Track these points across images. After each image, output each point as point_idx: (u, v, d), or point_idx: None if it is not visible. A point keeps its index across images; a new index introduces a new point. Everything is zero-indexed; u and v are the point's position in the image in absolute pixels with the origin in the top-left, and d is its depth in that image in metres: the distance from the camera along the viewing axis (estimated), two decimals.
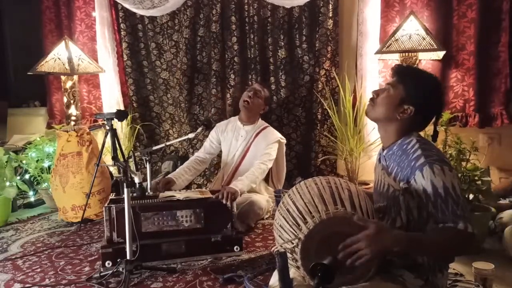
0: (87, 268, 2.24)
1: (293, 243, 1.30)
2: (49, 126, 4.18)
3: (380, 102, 1.44)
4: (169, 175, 2.84)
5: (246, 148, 2.97)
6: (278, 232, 1.40)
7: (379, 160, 1.53)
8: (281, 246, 1.34)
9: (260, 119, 3.07)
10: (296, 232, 1.30)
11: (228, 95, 3.76)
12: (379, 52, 3.15)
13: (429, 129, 1.54)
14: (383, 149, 1.51)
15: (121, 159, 2.59)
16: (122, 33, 3.97)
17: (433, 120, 1.47)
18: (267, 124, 3.08)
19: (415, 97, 1.39)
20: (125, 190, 1.99)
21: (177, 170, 2.92)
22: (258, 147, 2.92)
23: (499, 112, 3.07)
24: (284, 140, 3.03)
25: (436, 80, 1.46)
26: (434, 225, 1.28)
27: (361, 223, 1.18)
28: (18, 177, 3.37)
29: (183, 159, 3.84)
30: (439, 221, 1.26)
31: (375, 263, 1.26)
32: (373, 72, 3.39)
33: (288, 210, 1.37)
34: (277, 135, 2.98)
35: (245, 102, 2.95)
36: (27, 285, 2.06)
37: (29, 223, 3.12)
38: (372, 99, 1.48)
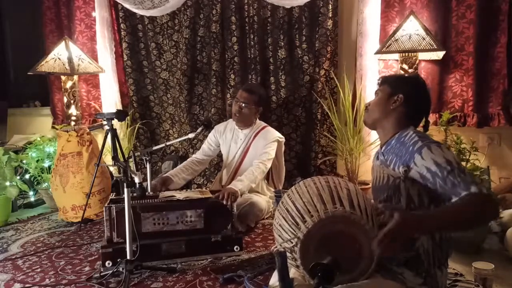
0: (87, 268, 2.24)
1: (292, 243, 1.30)
2: (53, 127, 4.19)
3: (373, 107, 1.56)
4: (166, 174, 2.84)
5: (246, 149, 2.97)
6: (278, 232, 1.40)
7: (377, 157, 1.55)
8: (281, 246, 1.35)
9: (257, 119, 3.06)
10: (295, 232, 1.30)
11: (228, 95, 3.76)
12: (379, 52, 3.15)
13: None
14: (381, 147, 1.54)
15: (121, 159, 2.59)
16: (122, 33, 3.97)
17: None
18: (265, 124, 3.08)
19: (400, 86, 1.52)
20: (125, 190, 1.99)
21: (175, 169, 2.92)
22: (257, 147, 2.92)
23: (496, 112, 3.08)
24: (282, 139, 3.03)
25: (416, 74, 1.59)
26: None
27: (386, 210, 1.18)
28: (18, 177, 3.37)
29: (183, 159, 3.84)
30: (451, 195, 1.24)
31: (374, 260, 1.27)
32: (373, 72, 3.39)
33: (287, 209, 1.37)
34: (276, 135, 2.98)
35: (235, 116, 2.94)
36: (27, 285, 2.06)
37: (29, 223, 3.12)
38: (366, 108, 1.60)
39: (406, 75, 1.64)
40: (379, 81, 1.62)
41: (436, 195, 1.29)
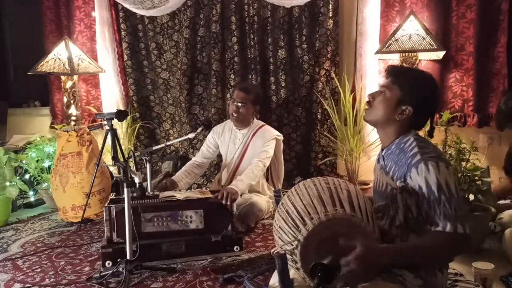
0: (87, 268, 2.24)
1: (292, 245, 1.29)
2: (51, 126, 4.18)
3: (377, 105, 1.44)
4: (172, 178, 2.86)
5: (244, 149, 2.98)
6: (278, 234, 1.39)
7: (378, 160, 1.53)
8: (281, 248, 1.34)
9: (254, 119, 3.06)
10: (295, 234, 1.29)
11: (228, 95, 3.76)
12: (379, 52, 3.15)
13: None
14: (382, 149, 1.51)
15: (121, 159, 2.59)
16: (122, 33, 3.97)
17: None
18: (263, 123, 3.08)
19: (412, 97, 1.40)
20: (125, 190, 1.99)
21: (178, 173, 2.94)
22: (256, 147, 2.92)
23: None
24: (281, 137, 3.03)
25: (431, 78, 1.47)
26: (428, 227, 1.29)
27: (347, 245, 1.16)
28: (18, 177, 3.37)
29: (183, 159, 3.86)
30: (431, 221, 1.27)
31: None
32: (373, 72, 3.39)
33: (287, 211, 1.36)
34: (274, 133, 2.98)
35: (233, 116, 2.93)
36: (27, 285, 2.06)
37: (29, 223, 3.12)
38: (369, 103, 1.47)
39: (419, 78, 1.46)
40: (388, 72, 1.48)
41: None
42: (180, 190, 2.73)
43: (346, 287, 1.25)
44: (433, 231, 1.26)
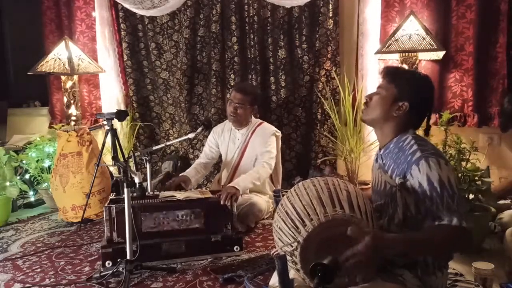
0: (87, 268, 2.24)
1: (292, 246, 1.29)
2: (50, 126, 4.18)
3: (375, 104, 1.47)
4: (184, 174, 2.88)
5: (243, 149, 2.98)
6: (278, 235, 1.39)
7: (376, 159, 1.54)
8: (281, 249, 1.34)
9: (253, 117, 3.07)
10: (295, 235, 1.29)
11: (228, 95, 3.75)
12: (379, 52, 3.15)
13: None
14: (380, 149, 1.52)
15: (121, 159, 2.59)
16: (122, 33, 3.97)
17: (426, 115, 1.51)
18: (260, 121, 3.08)
19: (408, 92, 1.42)
20: (125, 190, 1.99)
21: (189, 170, 2.96)
22: (255, 145, 2.93)
23: (496, 112, 3.07)
24: (279, 134, 3.04)
25: (426, 77, 1.50)
26: (430, 222, 1.29)
27: (355, 235, 1.16)
28: (18, 177, 3.37)
29: (183, 159, 3.86)
30: (435, 216, 1.27)
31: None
32: (373, 72, 3.39)
33: (287, 212, 1.36)
34: (272, 129, 2.99)
35: (231, 117, 2.94)
36: (27, 285, 2.06)
37: (29, 223, 3.12)
38: (366, 103, 1.50)
39: (415, 76, 1.49)
40: (384, 73, 1.51)
41: None
42: (180, 190, 2.73)
43: (348, 286, 1.25)
44: (438, 224, 1.25)
